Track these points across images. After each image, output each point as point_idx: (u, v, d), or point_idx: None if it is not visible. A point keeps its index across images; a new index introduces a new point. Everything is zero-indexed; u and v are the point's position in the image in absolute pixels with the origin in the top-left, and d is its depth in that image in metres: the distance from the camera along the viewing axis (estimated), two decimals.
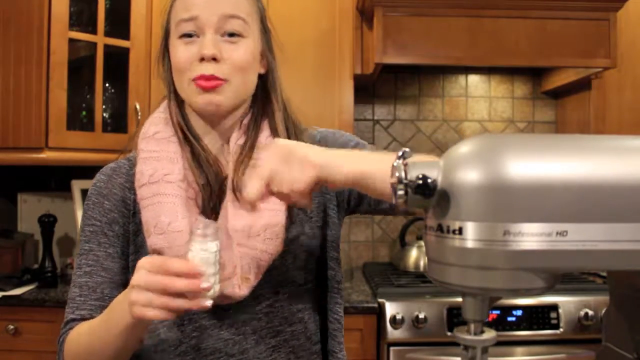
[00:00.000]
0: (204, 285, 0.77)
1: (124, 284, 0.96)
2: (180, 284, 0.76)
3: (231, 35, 0.95)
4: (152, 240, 0.91)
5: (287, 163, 0.81)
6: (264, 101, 1.02)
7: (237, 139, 0.99)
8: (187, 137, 0.98)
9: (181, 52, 0.95)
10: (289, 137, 0.99)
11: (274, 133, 1.00)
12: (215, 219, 0.93)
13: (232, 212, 0.93)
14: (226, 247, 0.89)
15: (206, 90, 0.93)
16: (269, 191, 0.84)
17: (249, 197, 0.84)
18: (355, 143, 1.06)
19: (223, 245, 0.86)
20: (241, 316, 0.97)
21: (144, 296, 0.76)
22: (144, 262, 0.79)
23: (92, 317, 0.93)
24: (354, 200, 1.06)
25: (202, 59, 0.93)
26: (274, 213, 0.93)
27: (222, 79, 0.93)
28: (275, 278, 0.97)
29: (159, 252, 0.90)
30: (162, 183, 0.93)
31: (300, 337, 1.01)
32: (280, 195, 0.84)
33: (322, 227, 1.05)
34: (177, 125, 0.99)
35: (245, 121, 1.00)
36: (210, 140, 1.00)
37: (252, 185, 0.83)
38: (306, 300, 1.02)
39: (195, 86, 0.93)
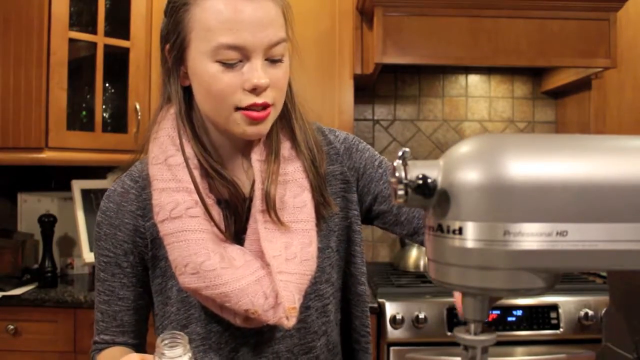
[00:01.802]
0: None
1: (142, 307, 1.01)
2: None
3: (274, 60, 0.88)
4: (185, 279, 0.87)
5: None
6: None
7: (259, 155, 0.93)
8: (204, 163, 0.91)
9: (222, 79, 0.85)
10: (307, 145, 0.96)
11: (293, 142, 0.96)
12: (241, 244, 0.92)
13: (265, 235, 0.89)
14: (265, 275, 0.88)
15: (256, 120, 0.87)
16: None
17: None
18: (379, 161, 1.04)
19: (259, 275, 0.87)
20: (276, 334, 0.96)
21: None
22: None
23: (114, 342, 0.99)
24: (374, 213, 1.04)
25: (253, 89, 0.85)
26: (305, 232, 0.91)
27: (271, 104, 0.88)
28: (307, 294, 0.95)
29: (194, 291, 0.88)
30: (185, 218, 0.88)
31: (324, 349, 1.01)
32: None
33: (347, 240, 1.03)
34: (193, 152, 0.91)
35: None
36: (228, 158, 0.96)
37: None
38: (330, 313, 1.01)
39: (244, 115, 0.87)
